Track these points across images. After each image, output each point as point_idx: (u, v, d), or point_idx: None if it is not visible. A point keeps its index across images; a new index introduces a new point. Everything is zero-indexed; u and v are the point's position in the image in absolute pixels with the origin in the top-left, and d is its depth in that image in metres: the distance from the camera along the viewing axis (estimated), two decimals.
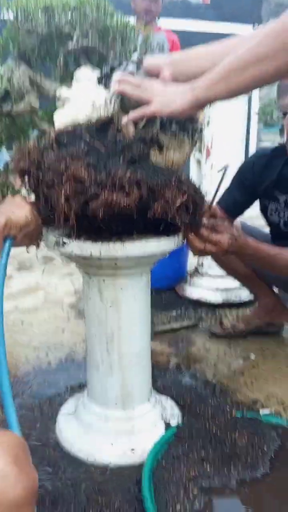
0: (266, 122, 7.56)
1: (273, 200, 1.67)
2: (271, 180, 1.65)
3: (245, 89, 0.88)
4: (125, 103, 1.08)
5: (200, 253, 1.22)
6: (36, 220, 1.08)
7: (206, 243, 1.19)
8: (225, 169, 1.42)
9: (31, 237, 1.11)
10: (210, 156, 2.29)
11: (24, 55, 1.50)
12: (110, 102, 1.07)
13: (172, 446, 1.24)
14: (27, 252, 1.22)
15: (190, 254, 2.87)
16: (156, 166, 1.03)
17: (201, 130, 1.17)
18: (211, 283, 2.41)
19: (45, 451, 1.28)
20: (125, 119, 1.04)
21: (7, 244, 1.02)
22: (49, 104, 1.71)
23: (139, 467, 1.18)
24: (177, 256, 2.66)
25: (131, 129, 1.05)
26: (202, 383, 1.61)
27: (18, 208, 1.05)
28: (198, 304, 2.36)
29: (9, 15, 1.30)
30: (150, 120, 1.06)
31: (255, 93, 5.25)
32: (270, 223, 1.73)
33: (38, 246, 1.21)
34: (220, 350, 1.88)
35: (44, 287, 2.78)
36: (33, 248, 1.24)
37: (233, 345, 1.92)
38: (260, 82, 0.84)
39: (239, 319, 2.00)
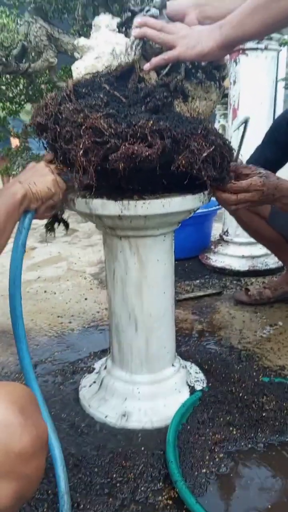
0: None
1: None
2: None
3: (280, 23, 0.79)
4: (147, 49, 1.01)
5: (235, 205, 1.13)
6: (61, 190, 0.98)
7: (238, 193, 1.09)
8: (246, 121, 1.33)
9: (53, 208, 1.01)
10: (237, 117, 2.18)
11: (41, 8, 1.43)
12: (131, 49, 1.00)
13: (198, 410, 1.21)
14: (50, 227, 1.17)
15: (214, 224, 2.80)
16: (180, 115, 0.96)
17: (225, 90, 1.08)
18: (236, 251, 2.34)
19: (68, 415, 1.27)
20: (147, 66, 0.97)
21: (26, 219, 0.91)
22: (69, 62, 1.64)
23: (163, 431, 1.15)
24: (201, 226, 2.60)
25: (153, 76, 0.99)
26: (227, 349, 1.58)
27: (40, 177, 0.94)
28: (222, 272, 2.31)
29: None
30: (174, 66, 0.99)
31: (282, 57, 5.00)
32: None
33: (61, 213, 1.15)
34: (245, 317, 1.83)
35: (66, 257, 2.77)
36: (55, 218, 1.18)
37: (259, 312, 1.87)
38: None
39: (265, 286, 1.93)
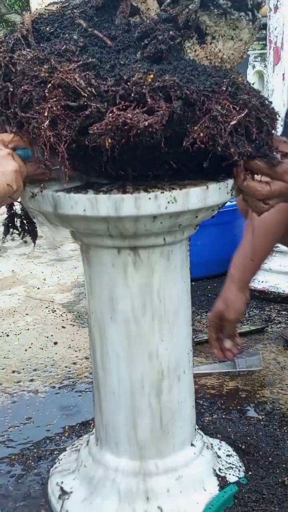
0: None
1: None
2: None
3: None
4: None
5: (265, 200, 1.12)
6: (22, 184, 1.01)
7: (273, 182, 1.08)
8: None
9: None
10: (281, 61, 2.22)
11: None
12: None
13: None
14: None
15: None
16: (195, 64, 0.99)
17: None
18: (286, 264, 2.36)
19: None
20: None
21: None
22: None
23: None
24: (228, 227, 2.62)
25: (153, 6, 1.01)
26: (276, 418, 1.59)
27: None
28: (265, 297, 2.34)
29: None
30: None
31: None
32: None
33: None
34: None
35: (24, 279, 2.79)
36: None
37: None
38: None
39: None
